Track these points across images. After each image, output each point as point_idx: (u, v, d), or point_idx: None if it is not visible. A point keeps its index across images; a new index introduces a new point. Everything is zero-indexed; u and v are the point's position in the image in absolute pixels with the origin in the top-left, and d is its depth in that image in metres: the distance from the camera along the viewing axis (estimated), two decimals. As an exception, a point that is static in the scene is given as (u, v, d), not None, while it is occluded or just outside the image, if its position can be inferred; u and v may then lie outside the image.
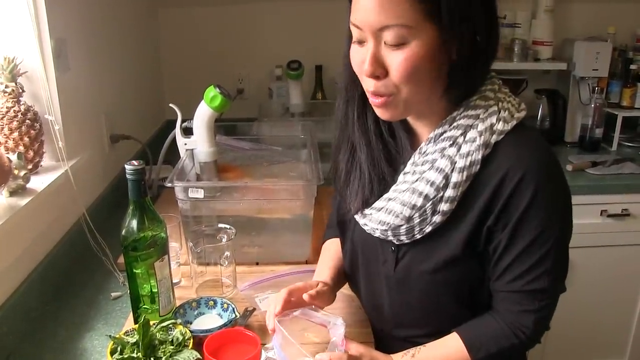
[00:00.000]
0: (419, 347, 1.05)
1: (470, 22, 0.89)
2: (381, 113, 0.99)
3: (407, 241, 1.05)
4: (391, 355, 1.06)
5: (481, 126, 0.95)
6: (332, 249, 1.33)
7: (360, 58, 0.94)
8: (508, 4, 2.67)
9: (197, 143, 1.71)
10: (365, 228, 1.11)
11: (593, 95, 2.50)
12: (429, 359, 1.04)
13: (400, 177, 1.04)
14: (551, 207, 0.95)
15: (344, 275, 1.27)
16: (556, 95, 2.60)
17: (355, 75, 0.99)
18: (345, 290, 1.38)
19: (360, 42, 0.94)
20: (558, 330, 2.30)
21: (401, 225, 1.02)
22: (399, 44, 0.89)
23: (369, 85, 0.95)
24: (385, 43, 0.90)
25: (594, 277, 2.31)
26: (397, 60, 0.90)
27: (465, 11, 0.88)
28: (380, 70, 0.92)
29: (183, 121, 1.74)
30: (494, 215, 0.96)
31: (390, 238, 1.06)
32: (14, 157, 1.31)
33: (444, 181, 0.96)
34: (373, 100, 0.97)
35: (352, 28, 0.94)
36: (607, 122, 2.53)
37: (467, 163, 0.95)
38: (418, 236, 1.03)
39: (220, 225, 1.43)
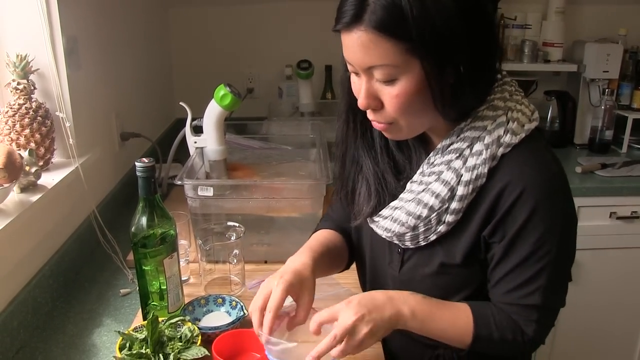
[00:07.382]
0: (431, 297, 1.02)
1: (456, 51, 0.86)
2: (387, 135, 1.01)
3: (411, 246, 1.05)
4: (396, 290, 1.02)
5: (488, 139, 0.94)
6: (318, 236, 1.23)
7: (357, 89, 0.95)
8: (519, 5, 2.66)
9: (206, 141, 1.71)
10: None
11: (603, 97, 2.49)
12: (438, 309, 1.00)
13: (408, 186, 1.04)
14: (549, 225, 0.93)
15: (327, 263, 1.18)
16: (566, 97, 2.59)
17: (355, 98, 0.98)
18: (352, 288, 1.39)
19: (356, 74, 0.95)
20: (565, 332, 2.32)
21: (406, 233, 1.03)
22: (388, 81, 0.89)
23: (368, 114, 0.98)
24: (376, 79, 0.91)
25: (602, 279, 2.30)
26: (389, 96, 0.91)
27: (447, 43, 0.85)
28: (375, 102, 0.93)
29: (193, 119, 1.75)
30: (491, 225, 0.96)
31: (396, 242, 1.07)
32: (25, 154, 1.31)
33: (449, 193, 0.96)
34: (376, 125, 0.99)
35: (346, 61, 0.95)
36: (617, 124, 2.52)
37: (473, 177, 0.94)
38: (422, 243, 1.03)
39: (229, 223, 1.44)
